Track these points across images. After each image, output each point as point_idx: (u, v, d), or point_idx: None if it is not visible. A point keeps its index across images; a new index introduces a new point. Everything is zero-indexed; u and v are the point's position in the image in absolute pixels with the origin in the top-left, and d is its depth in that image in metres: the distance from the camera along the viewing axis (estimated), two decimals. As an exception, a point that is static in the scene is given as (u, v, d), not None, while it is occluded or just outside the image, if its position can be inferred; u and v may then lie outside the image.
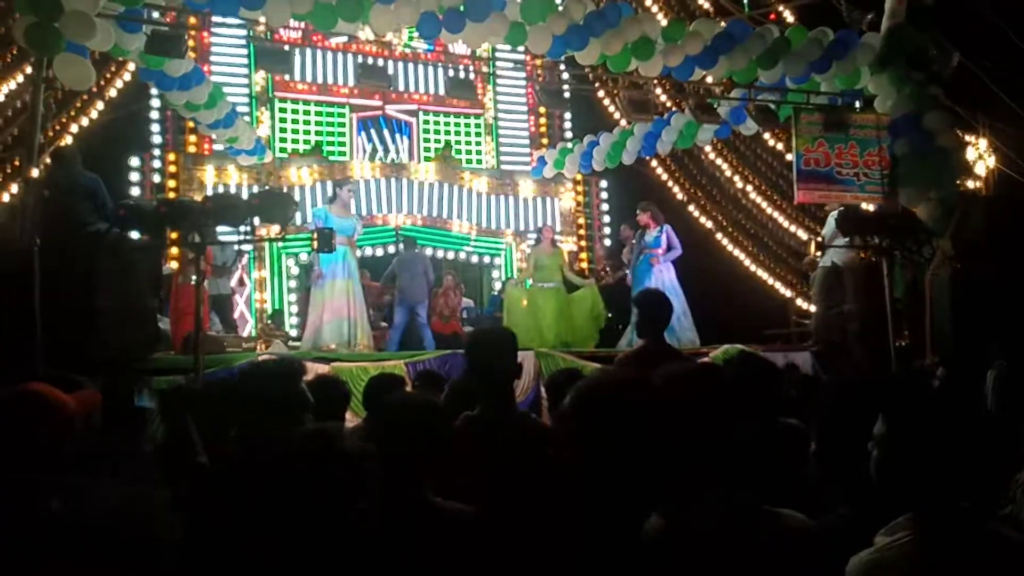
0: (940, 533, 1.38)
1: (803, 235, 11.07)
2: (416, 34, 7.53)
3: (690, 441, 1.39)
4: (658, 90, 9.80)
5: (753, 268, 11.46)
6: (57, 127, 8.74)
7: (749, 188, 11.48)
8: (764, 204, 11.44)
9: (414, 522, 1.86)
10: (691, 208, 11.55)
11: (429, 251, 10.13)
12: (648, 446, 1.27)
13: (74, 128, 9.02)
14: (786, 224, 11.33)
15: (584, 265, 10.55)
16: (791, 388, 3.20)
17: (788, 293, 11.15)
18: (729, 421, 1.41)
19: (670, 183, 11.53)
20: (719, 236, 11.61)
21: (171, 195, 8.85)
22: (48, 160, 6.86)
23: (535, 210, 10.76)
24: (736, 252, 11.56)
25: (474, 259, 10.63)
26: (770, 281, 11.36)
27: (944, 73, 7.72)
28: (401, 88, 10.55)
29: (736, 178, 11.52)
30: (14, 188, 7.91)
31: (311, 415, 2.18)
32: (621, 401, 1.31)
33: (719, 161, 11.48)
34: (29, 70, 7.37)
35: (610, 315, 8.88)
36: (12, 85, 8.32)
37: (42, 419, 1.59)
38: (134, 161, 9.34)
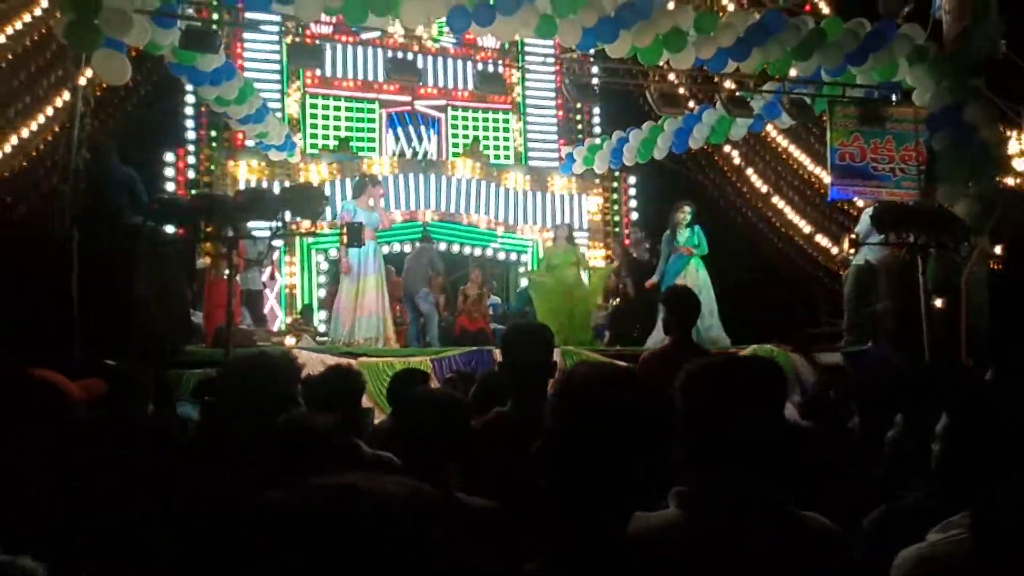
0: (996, 531, 1.34)
1: (825, 243, 10.85)
2: (446, 28, 7.53)
3: (695, 435, 1.38)
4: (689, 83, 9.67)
5: (785, 266, 11.27)
6: (95, 123, 8.90)
7: (774, 194, 11.29)
8: (787, 209, 11.25)
9: (437, 517, 1.85)
10: (721, 204, 11.39)
11: (456, 248, 10.14)
12: (621, 445, 1.23)
13: (110, 123, 9.17)
14: (808, 230, 11.13)
15: (614, 264, 10.46)
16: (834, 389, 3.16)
17: (817, 292, 10.95)
18: (736, 416, 1.39)
19: (699, 177, 11.38)
20: (750, 233, 11.43)
21: (204, 190, 8.97)
22: (86, 154, 7.00)
23: (563, 207, 10.71)
24: (768, 251, 11.37)
25: (501, 256, 10.62)
26: (799, 279, 11.16)
27: (994, 55, 7.43)
28: (430, 83, 10.57)
29: (761, 181, 11.33)
30: (53, 180, 8.07)
31: (297, 407, 2.10)
32: (598, 394, 1.28)
33: (746, 168, 11.32)
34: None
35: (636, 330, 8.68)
36: (52, 79, 8.48)
37: (44, 403, 1.58)
38: (168, 156, 9.48)
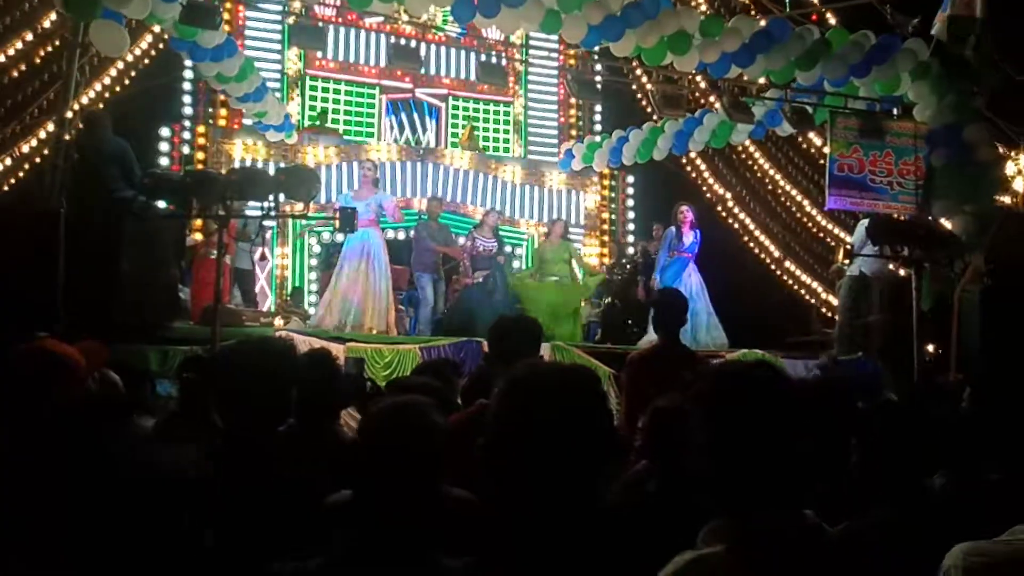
0: None
1: (842, 235, 10.88)
2: (450, 17, 7.47)
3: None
4: (692, 87, 9.65)
5: (780, 273, 11.31)
6: (90, 93, 8.80)
7: (789, 187, 11.28)
8: (805, 203, 11.22)
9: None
10: (719, 209, 11.39)
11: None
12: (559, 447, 1.24)
13: (106, 95, 9.08)
14: (824, 223, 11.13)
15: (607, 261, 10.45)
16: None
17: (814, 301, 10.99)
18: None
19: (698, 181, 11.38)
20: (746, 239, 11.45)
21: (198, 167, 8.87)
22: (80, 124, 6.91)
23: (560, 202, 10.67)
24: (764, 257, 11.39)
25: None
26: (796, 288, 11.20)
27: (990, 89, 7.52)
28: (432, 72, 10.50)
29: (778, 176, 11.32)
30: (45, 152, 7.99)
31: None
32: (536, 397, 1.28)
33: (757, 154, 11.27)
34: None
35: (629, 321, 8.76)
36: (49, 49, 8.40)
37: (53, 373, 1.61)
38: (164, 131, 9.38)
